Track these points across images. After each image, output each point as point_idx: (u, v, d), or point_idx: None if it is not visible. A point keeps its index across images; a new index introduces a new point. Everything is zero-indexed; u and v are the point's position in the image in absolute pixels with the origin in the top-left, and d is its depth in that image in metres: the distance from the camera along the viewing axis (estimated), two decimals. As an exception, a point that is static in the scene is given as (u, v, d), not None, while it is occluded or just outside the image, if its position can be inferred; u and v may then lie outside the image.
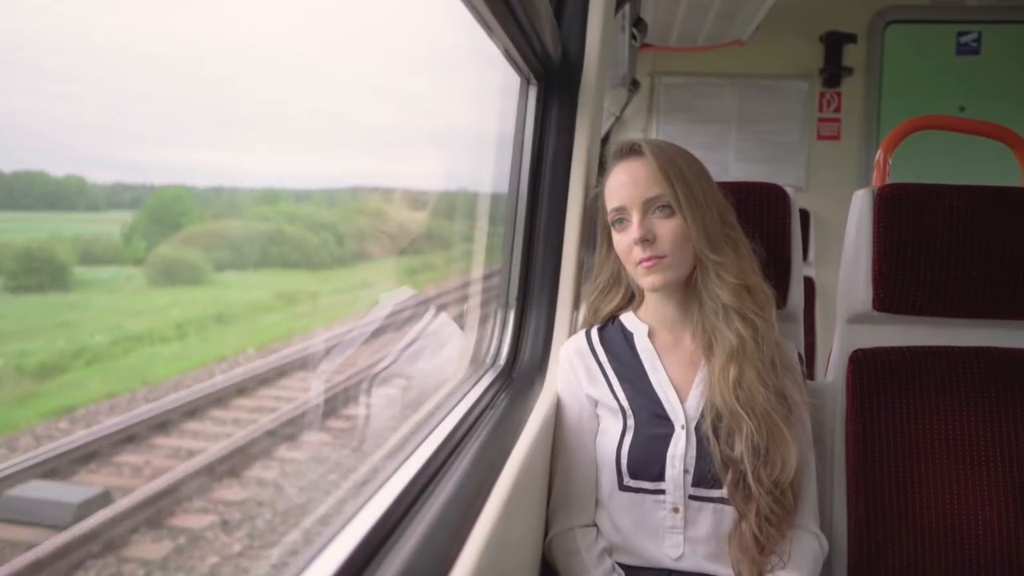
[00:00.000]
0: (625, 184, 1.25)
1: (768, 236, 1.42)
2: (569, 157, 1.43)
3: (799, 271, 1.47)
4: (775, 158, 3.57)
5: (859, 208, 1.48)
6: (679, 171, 1.24)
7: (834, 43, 3.49)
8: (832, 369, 1.53)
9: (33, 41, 0.71)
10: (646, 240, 1.21)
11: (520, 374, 1.39)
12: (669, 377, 1.28)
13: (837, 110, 3.57)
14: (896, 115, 3.44)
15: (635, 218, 1.23)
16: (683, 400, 1.26)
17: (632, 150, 1.28)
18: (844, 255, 1.52)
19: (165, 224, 1.80)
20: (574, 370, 1.33)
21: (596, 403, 1.32)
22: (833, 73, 3.52)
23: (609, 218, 1.28)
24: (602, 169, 1.35)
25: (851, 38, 3.46)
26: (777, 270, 1.40)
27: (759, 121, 3.59)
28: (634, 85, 3.25)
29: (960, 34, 3.40)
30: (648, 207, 1.23)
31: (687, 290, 1.29)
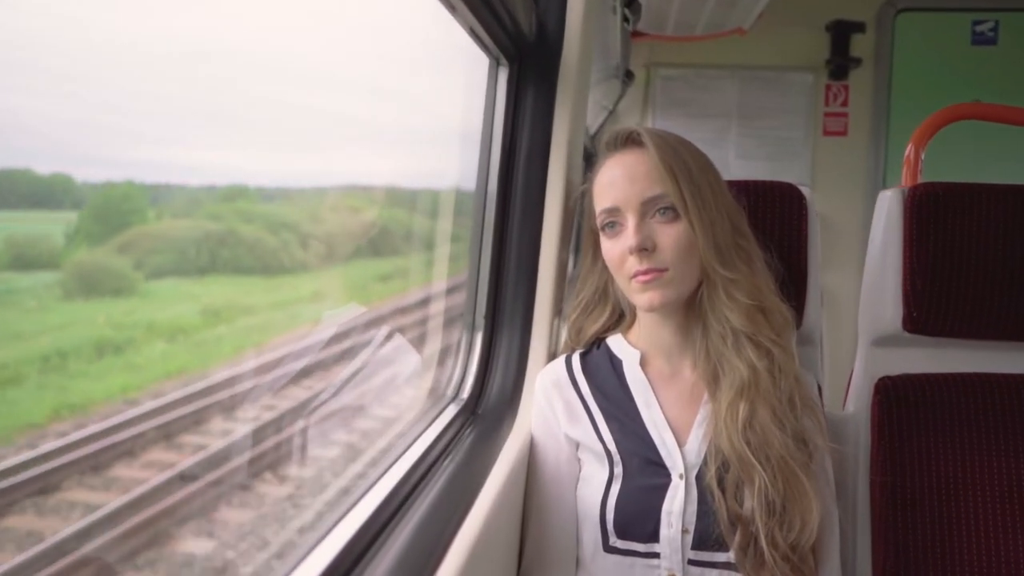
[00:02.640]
0: (620, 180, 1.04)
1: (781, 243, 1.21)
2: (547, 150, 1.21)
3: (817, 285, 1.26)
4: (778, 155, 3.38)
5: (886, 211, 1.27)
6: (685, 166, 1.03)
7: (841, 32, 3.28)
8: (853, 398, 1.32)
9: (32, 40, 0.71)
10: (644, 249, 1.00)
11: (487, 409, 1.18)
12: (665, 415, 1.07)
13: (844, 104, 3.37)
14: (907, 109, 3.25)
15: (631, 222, 1.02)
16: (682, 444, 1.05)
17: (629, 139, 1.07)
18: (867, 266, 1.31)
19: (110, 224, 1.65)
20: (551, 405, 1.12)
21: (577, 445, 1.11)
22: (840, 65, 3.32)
23: (598, 221, 1.07)
24: (590, 164, 1.14)
25: (859, 27, 3.26)
26: (792, 284, 1.19)
27: (761, 116, 3.39)
28: (628, 76, 3.04)
29: (976, 23, 3.20)
30: (647, 209, 1.02)
31: (689, 310, 1.07)
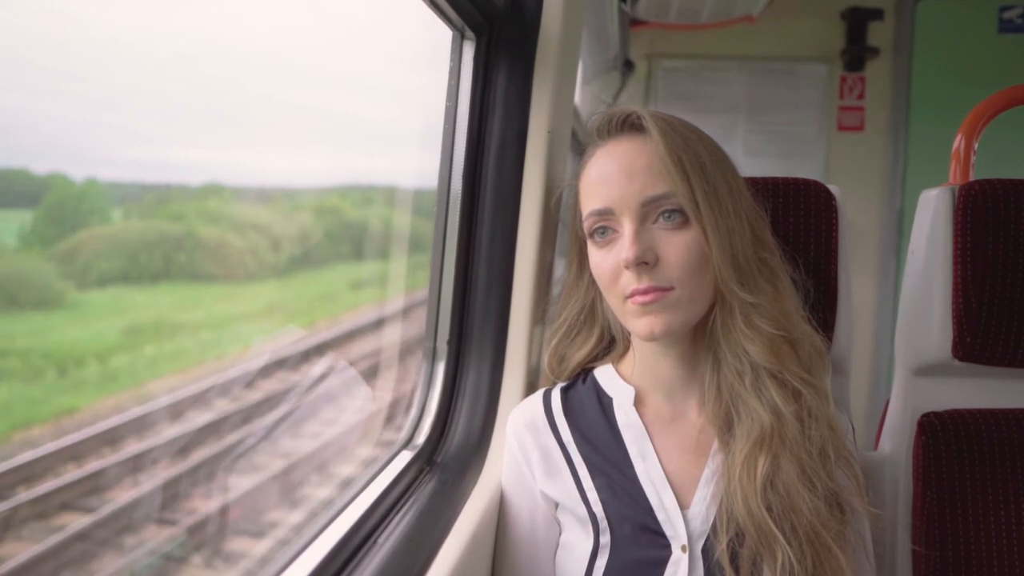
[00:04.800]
0: (614, 175, 0.83)
1: (806, 252, 1.01)
2: (523, 140, 1.00)
3: (849, 302, 1.05)
4: (790, 152, 3.19)
5: (931, 214, 1.06)
6: (696, 159, 0.82)
7: (857, 20, 3.08)
8: (889, 438, 1.11)
9: (32, 39, 0.71)
10: (643, 262, 0.80)
11: (448, 457, 0.97)
12: (664, 469, 0.86)
13: (860, 97, 3.17)
14: (929, 103, 3.04)
15: (627, 227, 0.81)
16: (685, 506, 0.85)
17: (627, 124, 0.86)
18: (907, 280, 1.11)
19: (65, 225, 1.49)
20: (525, 453, 0.91)
21: (556, 505, 0.90)
22: (856, 55, 3.11)
23: (586, 226, 0.86)
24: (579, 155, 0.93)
25: (877, 14, 3.06)
26: (820, 300, 0.98)
27: (771, 110, 3.19)
28: (627, 67, 2.84)
29: (1003, 8, 2.98)
30: (648, 212, 0.81)
31: (697, 338, 0.87)
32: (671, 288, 0.81)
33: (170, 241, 1.81)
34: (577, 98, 2.14)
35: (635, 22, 2.94)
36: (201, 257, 1.97)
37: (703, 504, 0.84)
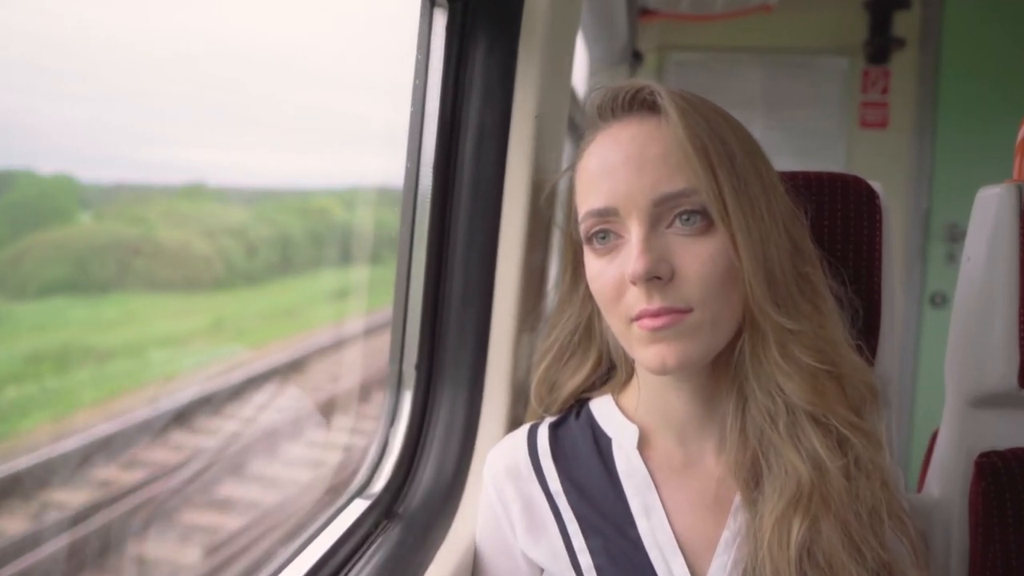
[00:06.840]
0: (619, 166, 0.67)
1: (844, 259, 0.85)
2: (506, 126, 0.85)
3: (892, 322, 0.89)
4: (808, 150, 3.04)
5: (992, 216, 0.90)
6: (724, 148, 0.66)
7: (881, 9, 2.91)
8: (939, 479, 0.95)
9: (29, 38, 0.70)
10: (656, 277, 0.64)
11: (412, 508, 0.81)
12: (674, 529, 0.70)
13: (884, 92, 3.00)
14: (958, 98, 2.87)
15: (635, 232, 0.65)
16: (699, 575, 0.68)
17: (638, 101, 0.69)
18: (959, 295, 0.94)
19: (24, 226, 1.36)
20: (504, 505, 0.76)
21: (541, 570, 0.74)
22: (880, 47, 2.94)
23: (583, 228, 0.70)
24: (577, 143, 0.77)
25: (903, 3, 2.90)
26: (860, 317, 0.82)
27: (789, 105, 3.03)
28: (636, 58, 2.68)
29: (1038, -3, 2.82)
30: (663, 213, 0.65)
31: (719, 368, 0.71)
32: (689, 310, 0.64)
33: (126, 246, 1.68)
34: (580, 92, 1.98)
35: (645, 12, 2.79)
36: (160, 264, 1.82)
37: (722, 574, 0.68)
